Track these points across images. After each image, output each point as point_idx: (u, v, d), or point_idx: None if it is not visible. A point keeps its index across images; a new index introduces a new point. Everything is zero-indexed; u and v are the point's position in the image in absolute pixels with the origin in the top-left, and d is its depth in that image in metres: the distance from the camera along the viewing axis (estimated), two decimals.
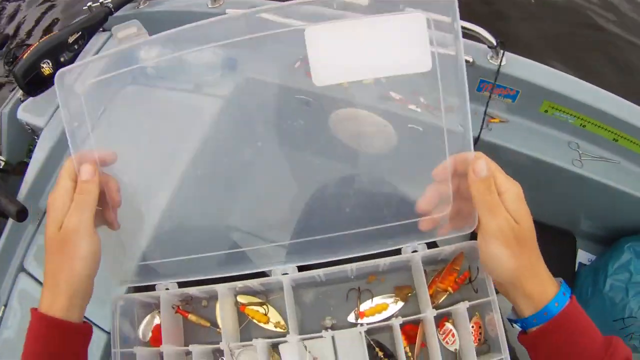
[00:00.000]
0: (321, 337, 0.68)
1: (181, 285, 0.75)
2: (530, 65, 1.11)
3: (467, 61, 1.08)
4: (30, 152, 1.34)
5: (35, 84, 1.09)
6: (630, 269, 1.24)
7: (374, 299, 0.73)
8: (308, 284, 0.75)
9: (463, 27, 1.09)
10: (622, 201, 1.19)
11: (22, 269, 1.14)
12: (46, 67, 1.07)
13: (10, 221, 1.14)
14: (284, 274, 0.68)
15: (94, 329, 1.04)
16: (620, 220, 1.31)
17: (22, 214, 1.07)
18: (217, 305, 0.76)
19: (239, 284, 0.71)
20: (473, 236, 0.62)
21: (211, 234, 0.81)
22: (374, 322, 0.70)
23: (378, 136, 0.94)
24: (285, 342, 0.68)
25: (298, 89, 1.07)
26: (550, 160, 1.17)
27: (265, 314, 0.73)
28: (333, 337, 0.69)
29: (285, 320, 0.73)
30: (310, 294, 0.76)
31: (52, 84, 1.16)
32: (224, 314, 0.72)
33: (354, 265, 0.67)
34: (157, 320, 0.77)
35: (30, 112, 1.24)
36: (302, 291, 0.74)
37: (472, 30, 1.07)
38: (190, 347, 0.70)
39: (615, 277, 1.25)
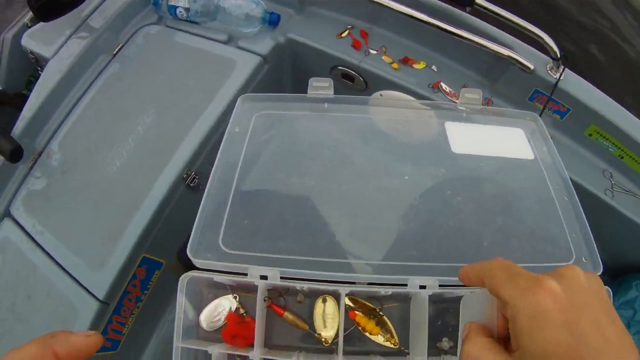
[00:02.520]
0: None
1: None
2: (587, 86, 1.06)
3: (527, 67, 1.01)
4: (30, 84, 1.20)
5: (50, 8, 0.94)
6: (635, 307, 1.24)
7: None
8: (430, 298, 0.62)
9: (529, 31, 1.03)
10: None
11: (7, 214, 1.03)
12: None
13: (1, 158, 1.01)
14: (421, 287, 0.56)
15: (84, 294, 0.96)
16: (633, 256, 1.30)
17: (16, 154, 0.94)
18: (320, 305, 0.62)
19: (365, 288, 0.58)
20: None
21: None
22: None
23: (417, 126, 0.83)
24: None
25: (341, 58, 0.99)
26: (584, 184, 1.14)
27: (377, 325, 0.61)
28: None
29: (399, 335, 0.62)
30: (429, 308, 0.63)
31: (69, 10, 1.02)
32: (341, 322, 0.57)
33: None
34: (227, 307, 0.62)
35: (37, 39, 1.10)
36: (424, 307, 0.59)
37: (539, 36, 1.00)
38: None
39: (619, 312, 1.25)
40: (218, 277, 0.58)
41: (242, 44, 0.95)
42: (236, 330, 0.60)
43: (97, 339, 0.31)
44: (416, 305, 0.61)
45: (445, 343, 0.62)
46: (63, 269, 0.94)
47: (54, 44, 1.08)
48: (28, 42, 1.12)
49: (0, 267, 1.01)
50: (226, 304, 0.63)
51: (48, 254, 0.96)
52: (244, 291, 0.63)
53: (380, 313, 0.63)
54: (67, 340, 0.30)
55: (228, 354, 0.61)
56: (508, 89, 1.07)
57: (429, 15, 0.95)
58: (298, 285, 0.58)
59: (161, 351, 1.08)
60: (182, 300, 0.57)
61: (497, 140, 0.76)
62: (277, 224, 0.64)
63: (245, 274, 0.56)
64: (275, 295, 0.63)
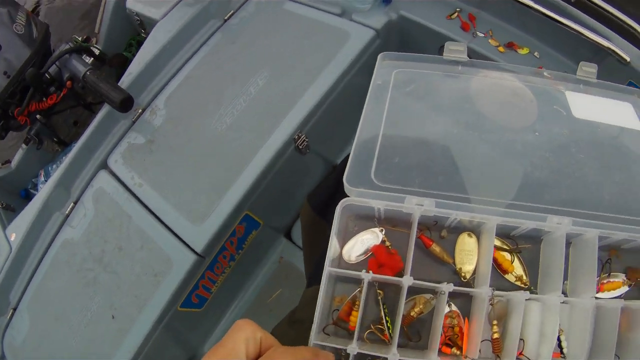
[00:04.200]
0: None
1: None
2: None
3: (623, 59, 1.03)
4: (130, 46, 1.23)
5: None
6: None
7: (612, 274, 0.66)
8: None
9: (627, 24, 1.06)
10: None
11: (104, 165, 1.04)
12: None
13: (104, 111, 1.03)
14: (557, 224, 0.60)
15: (181, 247, 0.95)
16: None
17: (126, 103, 0.96)
18: (464, 241, 0.64)
19: (513, 221, 0.60)
20: None
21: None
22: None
23: (519, 110, 0.89)
24: (544, 298, 0.60)
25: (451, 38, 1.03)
26: None
27: (512, 262, 0.63)
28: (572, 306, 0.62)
29: (530, 275, 0.64)
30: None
31: None
32: (485, 255, 0.61)
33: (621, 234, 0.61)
34: (372, 240, 0.63)
35: (144, 2, 1.13)
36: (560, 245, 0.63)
37: (635, 30, 1.03)
38: (445, 286, 0.56)
39: None
40: (378, 205, 0.60)
41: (356, 17, 0.98)
42: (384, 260, 0.61)
43: None
44: (549, 244, 0.64)
45: (566, 285, 0.64)
46: (160, 221, 0.94)
47: (162, 7, 1.10)
48: (134, 4, 1.16)
49: (92, 216, 1.02)
50: (369, 237, 0.63)
51: (145, 206, 0.96)
52: (391, 225, 0.64)
53: (519, 251, 0.65)
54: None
55: (378, 282, 0.61)
56: (604, 79, 1.08)
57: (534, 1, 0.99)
58: (453, 214, 0.60)
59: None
60: (337, 224, 0.58)
61: (610, 111, 0.81)
62: (427, 163, 0.68)
63: (399, 203, 0.59)
64: (426, 228, 0.64)
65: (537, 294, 0.62)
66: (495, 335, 0.57)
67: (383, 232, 0.63)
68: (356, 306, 0.58)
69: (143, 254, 0.95)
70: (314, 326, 0.54)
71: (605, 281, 0.65)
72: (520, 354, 0.58)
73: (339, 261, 0.63)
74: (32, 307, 1.05)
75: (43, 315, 1.03)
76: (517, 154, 0.69)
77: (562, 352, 0.60)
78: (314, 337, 0.53)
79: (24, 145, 1.20)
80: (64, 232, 1.04)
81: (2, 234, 1.08)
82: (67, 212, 1.04)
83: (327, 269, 0.56)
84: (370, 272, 0.56)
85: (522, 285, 0.63)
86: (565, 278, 0.64)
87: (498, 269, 0.64)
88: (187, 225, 0.92)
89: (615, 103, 0.82)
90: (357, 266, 0.63)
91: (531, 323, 0.59)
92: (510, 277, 0.63)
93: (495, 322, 0.58)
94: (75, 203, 1.05)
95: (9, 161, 1.24)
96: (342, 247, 0.63)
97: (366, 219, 0.65)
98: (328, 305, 0.61)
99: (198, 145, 0.96)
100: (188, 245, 0.91)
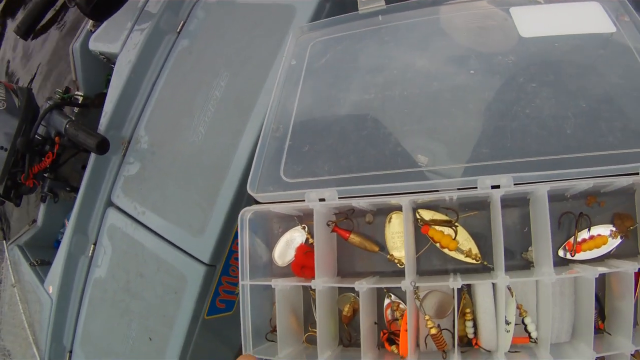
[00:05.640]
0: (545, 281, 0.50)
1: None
2: None
3: None
4: (109, 82, 1.27)
5: (101, 7, 1.00)
6: None
7: (593, 228, 0.54)
8: (512, 201, 0.56)
9: None
10: None
11: (110, 203, 1.09)
12: None
13: (93, 156, 1.08)
14: (494, 187, 0.50)
15: (190, 261, 0.99)
16: None
17: (102, 146, 0.99)
18: (389, 224, 0.58)
19: (428, 195, 0.52)
20: None
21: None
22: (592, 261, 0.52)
23: (496, 31, 0.78)
24: (487, 282, 0.51)
25: None
26: None
27: (454, 238, 0.55)
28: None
29: (482, 249, 0.56)
30: (513, 214, 0.56)
31: (121, 4, 1.08)
32: (407, 237, 0.53)
33: (583, 182, 0.49)
34: (299, 239, 0.60)
35: (102, 40, 1.16)
36: (502, 211, 0.53)
37: None
38: (357, 285, 0.52)
39: None
40: (279, 209, 0.56)
41: None
42: (304, 261, 0.57)
43: None
44: (494, 209, 0.54)
45: (532, 252, 0.55)
46: (168, 241, 0.98)
47: (119, 39, 1.13)
48: (95, 45, 1.19)
49: (111, 253, 1.07)
50: (298, 236, 0.60)
51: (152, 231, 1.00)
52: (312, 220, 0.59)
53: (456, 225, 0.56)
54: None
55: (303, 286, 0.59)
56: None
57: None
58: (354, 202, 0.54)
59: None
60: (245, 237, 0.55)
61: (571, 17, 0.69)
62: (338, 144, 0.62)
63: (301, 202, 0.55)
64: (342, 218, 0.59)
65: (492, 269, 0.55)
66: (433, 331, 0.53)
67: (306, 230, 0.60)
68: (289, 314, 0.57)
69: (161, 276, 0.99)
70: (243, 341, 0.53)
71: (586, 237, 0.55)
72: (476, 344, 0.53)
73: (271, 266, 0.61)
74: (84, 347, 1.13)
75: (94, 352, 1.11)
76: (444, 104, 0.61)
77: (530, 337, 0.53)
78: (245, 350, 0.53)
79: (42, 203, 1.29)
80: (93, 273, 1.11)
81: (42, 289, 1.17)
82: (90, 254, 1.11)
83: (240, 283, 0.55)
84: (280, 279, 0.55)
85: (473, 261, 0.56)
86: (530, 244, 0.56)
87: (441, 248, 0.57)
88: (190, 239, 0.94)
89: (577, 7, 0.70)
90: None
91: (484, 309, 0.52)
92: (458, 255, 0.56)
93: (427, 317, 0.53)
94: (95, 244, 1.11)
95: (35, 220, 1.33)
96: (272, 250, 0.62)
97: (289, 218, 0.61)
98: (267, 312, 0.61)
99: (182, 160, 0.98)
100: (196, 258, 0.94)
